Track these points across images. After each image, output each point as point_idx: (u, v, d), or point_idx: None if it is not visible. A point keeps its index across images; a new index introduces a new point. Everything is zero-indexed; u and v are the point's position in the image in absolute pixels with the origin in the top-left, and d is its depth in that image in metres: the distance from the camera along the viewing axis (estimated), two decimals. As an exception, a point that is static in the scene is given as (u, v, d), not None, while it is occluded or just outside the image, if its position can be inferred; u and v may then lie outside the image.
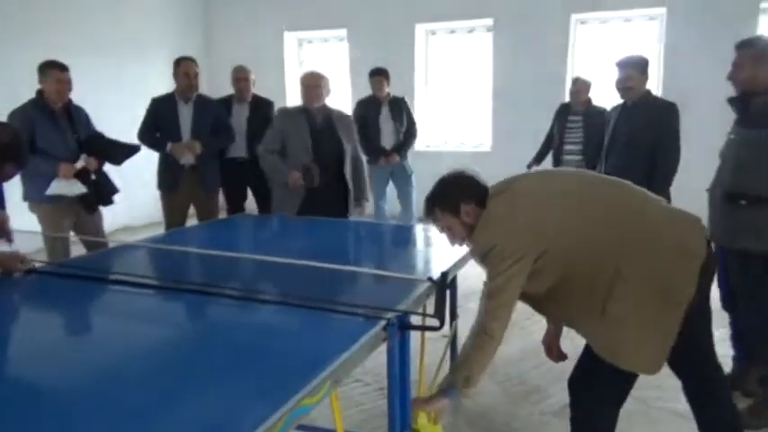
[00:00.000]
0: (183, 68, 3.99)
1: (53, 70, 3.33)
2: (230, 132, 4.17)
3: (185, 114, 3.99)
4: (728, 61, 2.55)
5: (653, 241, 1.65)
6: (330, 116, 3.56)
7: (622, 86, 3.41)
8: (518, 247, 1.65)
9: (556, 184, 1.86)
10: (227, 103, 4.38)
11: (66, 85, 3.39)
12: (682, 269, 1.63)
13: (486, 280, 1.72)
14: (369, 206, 4.01)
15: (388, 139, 5.09)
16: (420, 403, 1.69)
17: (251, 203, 4.53)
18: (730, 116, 2.61)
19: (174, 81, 4.07)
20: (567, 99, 5.24)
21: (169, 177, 4.00)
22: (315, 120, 3.52)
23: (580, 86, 4.89)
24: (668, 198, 3.34)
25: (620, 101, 3.55)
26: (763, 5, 5.72)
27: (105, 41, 6.36)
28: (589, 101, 4.86)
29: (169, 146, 3.90)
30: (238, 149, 4.28)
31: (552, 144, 5.00)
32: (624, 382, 1.76)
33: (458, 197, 1.79)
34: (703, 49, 5.67)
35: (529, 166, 4.93)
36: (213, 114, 4.09)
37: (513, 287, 1.66)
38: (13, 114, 3.29)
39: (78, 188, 3.38)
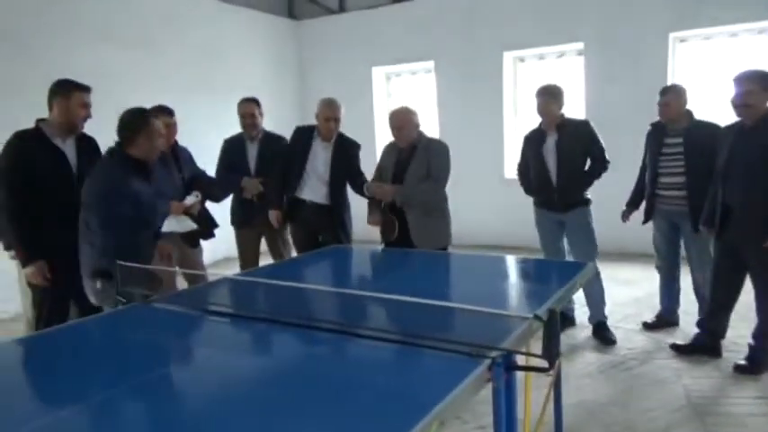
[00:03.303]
0: (240, 110, 4.18)
1: (160, 114, 3.55)
2: None
3: (252, 152, 4.14)
4: None
5: None
6: (416, 146, 3.59)
7: (740, 104, 3.14)
8: None
9: None
10: (307, 138, 3.91)
11: (172, 128, 3.62)
12: None
13: None
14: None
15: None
16: None
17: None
18: None
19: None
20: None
21: (240, 213, 4.15)
22: (401, 151, 3.62)
23: (669, 98, 3.75)
24: None
25: (736, 120, 3.28)
26: None
27: (211, 83, 6.79)
28: (687, 115, 3.76)
29: (244, 180, 4.04)
30: (317, 193, 3.85)
31: (645, 179, 3.99)
32: None
33: None
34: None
35: (624, 217, 4.09)
36: (278, 151, 4.10)
37: None
38: None
39: (189, 225, 3.57)
